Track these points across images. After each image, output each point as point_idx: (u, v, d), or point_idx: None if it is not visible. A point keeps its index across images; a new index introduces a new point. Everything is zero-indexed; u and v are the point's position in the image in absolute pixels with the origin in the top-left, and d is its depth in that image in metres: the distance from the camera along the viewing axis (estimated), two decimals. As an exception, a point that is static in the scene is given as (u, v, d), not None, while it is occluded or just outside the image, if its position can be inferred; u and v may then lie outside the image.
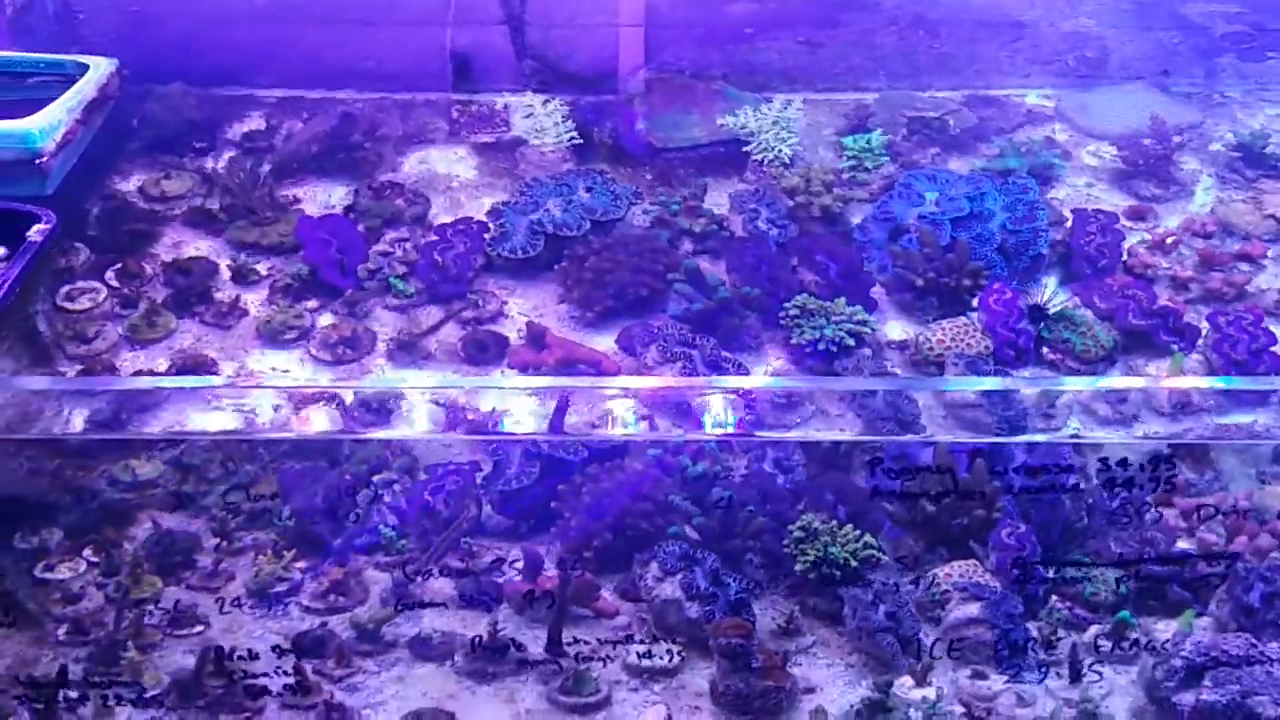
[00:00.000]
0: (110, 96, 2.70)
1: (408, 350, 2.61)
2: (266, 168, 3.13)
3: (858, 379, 2.46)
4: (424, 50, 3.51)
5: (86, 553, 2.56)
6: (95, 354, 2.52)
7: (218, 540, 2.58)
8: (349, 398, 2.39)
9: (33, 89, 2.72)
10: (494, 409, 2.34)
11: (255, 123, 3.32)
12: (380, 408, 2.42)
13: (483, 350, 2.61)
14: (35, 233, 2.11)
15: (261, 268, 2.82)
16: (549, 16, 3.51)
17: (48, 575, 2.50)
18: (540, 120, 3.27)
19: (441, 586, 2.55)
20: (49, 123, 2.44)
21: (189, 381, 2.29)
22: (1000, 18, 3.60)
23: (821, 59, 3.55)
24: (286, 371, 2.56)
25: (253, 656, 2.29)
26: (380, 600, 2.50)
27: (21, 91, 2.72)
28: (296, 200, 3.03)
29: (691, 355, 2.51)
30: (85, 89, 2.59)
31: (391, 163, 3.21)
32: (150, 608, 2.46)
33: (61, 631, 2.41)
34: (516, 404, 2.41)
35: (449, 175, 3.18)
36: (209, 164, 3.16)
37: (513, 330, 2.70)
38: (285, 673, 2.32)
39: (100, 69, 2.70)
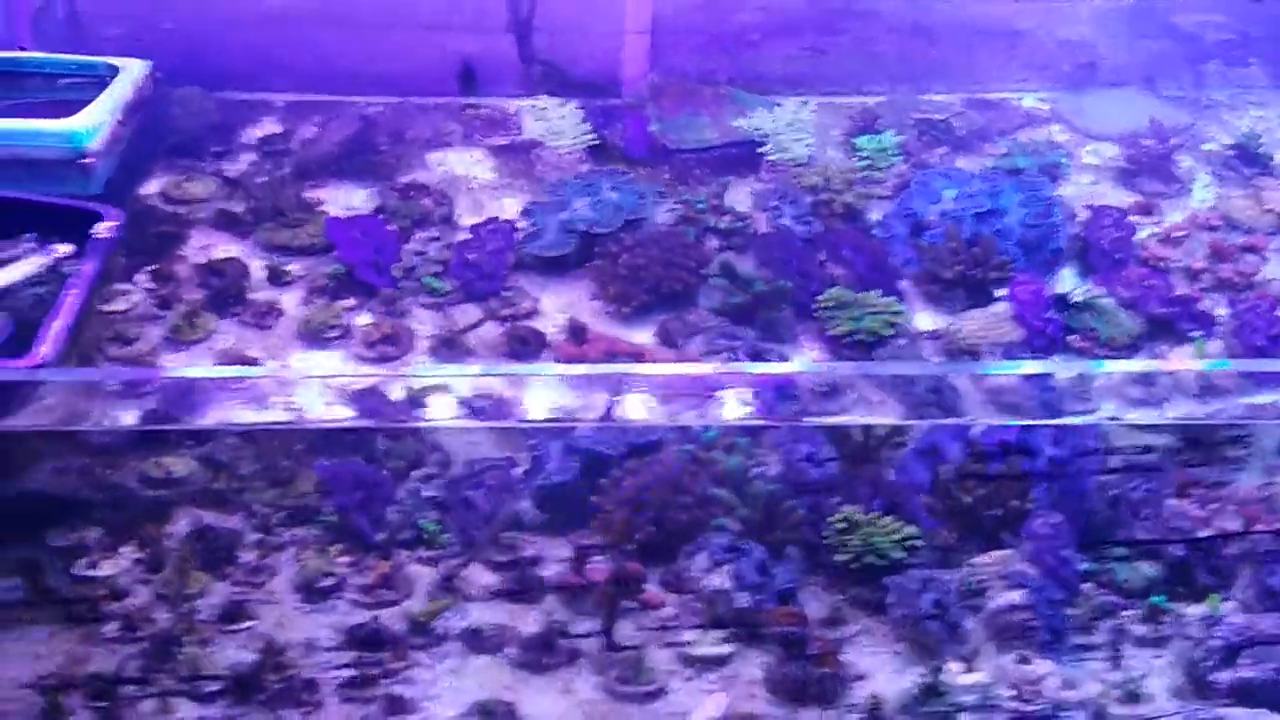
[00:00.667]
0: (145, 98, 2.69)
1: (449, 347, 2.61)
2: (287, 171, 3.12)
3: (898, 363, 2.50)
4: (432, 55, 3.53)
5: (126, 549, 2.53)
6: (138, 355, 2.50)
7: (259, 536, 2.56)
8: (399, 391, 2.39)
9: (64, 90, 2.70)
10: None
11: (270, 126, 3.32)
12: (422, 401, 2.42)
13: (523, 345, 2.62)
14: (106, 229, 2.09)
15: (294, 268, 2.81)
16: (555, 22, 3.54)
17: (90, 572, 2.47)
18: (556, 123, 3.30)
19: (485, 580, 2.55)
20: (93, 123, 2.43)
21: (256, 371, 2.27)
22: (996, 26, 3.69)
23: (824, 65, 3.62)
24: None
25: (314, 650, 2.28)
26: (428, 593, 2.50)
27: (53, 93, 2.70)
28: (320, 202, 3.03)
29: (734, 347, 2.54)
30: (124, 90, 2.57)
31: (410, 165, 3.21)
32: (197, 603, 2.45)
33: (112, 628, 2.38)
34: (559, 396, 2.43)
35: (468, 177, 3.19)
36: (227, 167, 3.14)
37: (548, 325, 2.71)
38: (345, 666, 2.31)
39: (135, 71, 2.68)
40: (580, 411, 2.40)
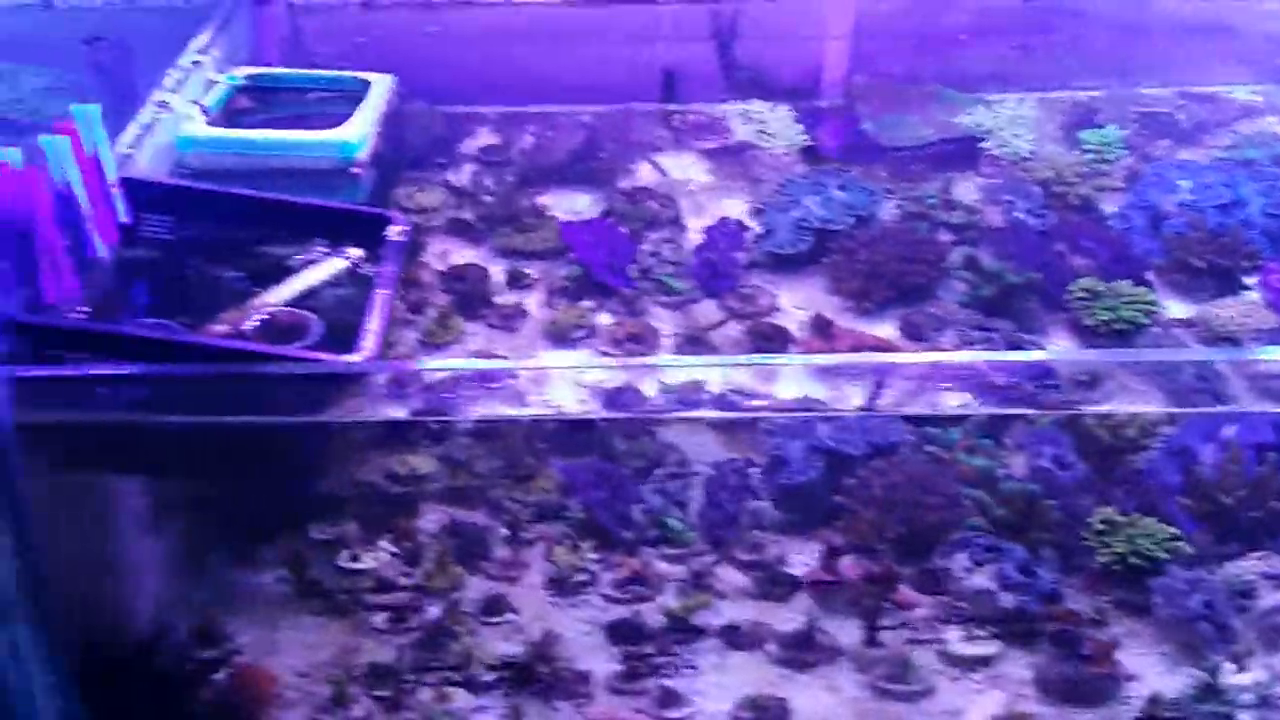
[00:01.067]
0: (393, 112, 2.76)
1: (693, 344, 2.62)
2: (510, 179, 3.18)
3: (1162, 351, 2.44)
4: (635, 65, 3.58)
5: (383, 543, 2.58)
6: (399, 357, 2.56)
7: (509, 532, 2.60)
8: (651, 387, 2.39)
9: (314, 104, 2.78)
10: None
11: (486, 138, 3.38)
12: (674, 395, 2.42)
13: (766, 341, 2.62)
14: (398, 233, 2.15)
15: (531, 272, 2.85)
16: (756, 30, 3.56)
17: (353, 565, 2.53)
18: (768, 125, 3.30)
19: (734, 577, 2.54)
20: (361, 134, 2.50)
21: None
22: (1206, 22, 3.61)
23: (1034, 62, 3.59)
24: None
25: (577, 643, 2.29)
26: (678, 590, 2.50)
27: (302, 107, 2.78)
28: (546, 208, 3.07)
29: (991, 338, 2.50)
30: (378, 103, 2.65)
31: (627, 170, 3.24)
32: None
33: (379, 619, 2.43)
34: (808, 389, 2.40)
35: (685, 180, 3.22)
36: (452, 177, 3.21)
37: (789, 322, 2.71)
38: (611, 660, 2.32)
39: (384, 85, 2.76)
40: (832, 404, 2.38)
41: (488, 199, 3.12)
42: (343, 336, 1.96)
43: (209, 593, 2.45)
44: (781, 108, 3.38)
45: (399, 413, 2.33)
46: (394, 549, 2.60)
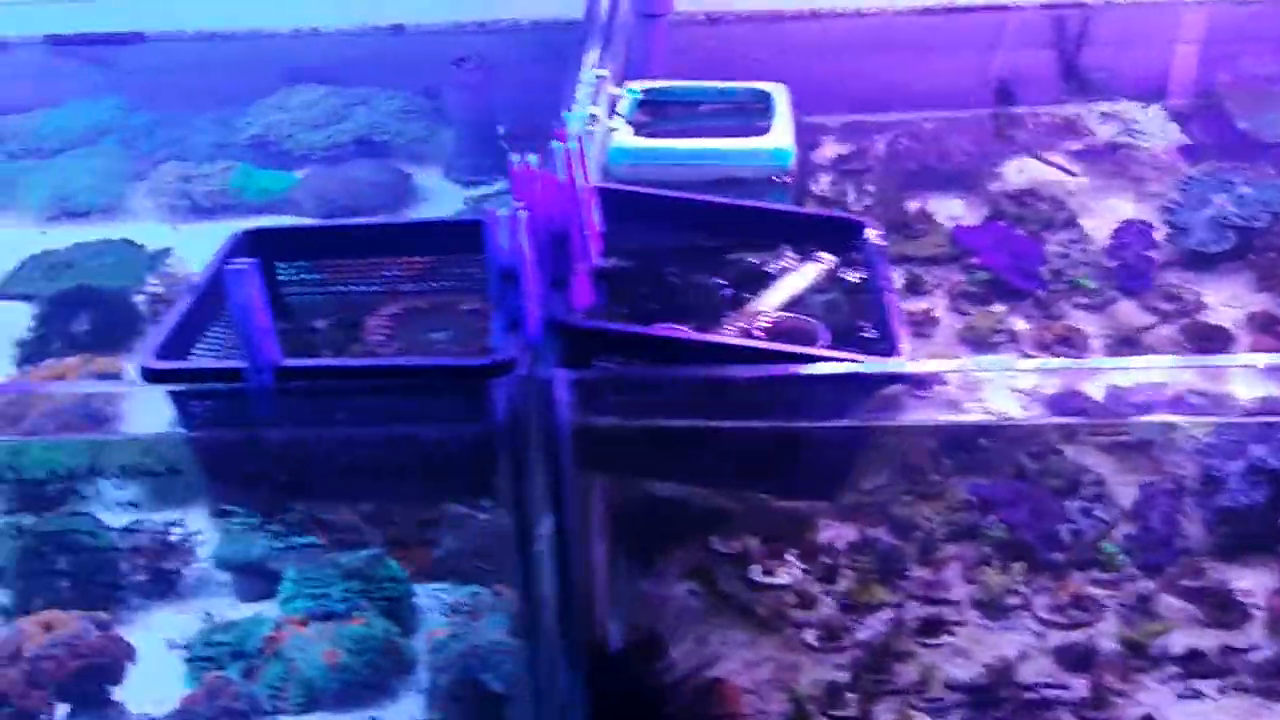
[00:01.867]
0: (796, 121, 2.69)
1: (1127, 345, 2.48)
2: (873, 187, 3.09)
3: None
4: (975, 70, 3.48)
5: (789, 558, 2.50)
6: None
7: (920, 550, 2.48)
8: (1097, 391, 2.24)
9: (705, 116, 2.73)
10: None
11: (835, 147, 3.30)
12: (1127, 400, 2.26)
13: (1207, 340, 2.45)
14: (877, 238, 2.08)
15: (927, 277, 2.75)
16: (1102, 35, 3.43)
17: (768, 579, 2.45)
18: (1140, 125, 3.15)
19: (1179, 604, 2.37)
20: (790, 142, 2.45)
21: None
22: None
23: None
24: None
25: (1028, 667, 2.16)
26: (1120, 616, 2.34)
27: (694, 119, 2.73)
28: (932, 214, 2.98)
29: None
30: (786, 112, 2.59)
31: (994, 173, 3.12)
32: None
33: (810, 636, 2.34)
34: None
35: (1059, 181, 3.07)
36: (812, 186, 3.14)
37: (1223, 320, 2.55)
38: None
39: (785, 94, 2.69)
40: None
41: (855, 207, 3.04)
42: (845, 340, 1.89)
43: (634, 602, 2.40)
44: (1154, 107, 3.21)
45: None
46: (803, 565, 2.50)
